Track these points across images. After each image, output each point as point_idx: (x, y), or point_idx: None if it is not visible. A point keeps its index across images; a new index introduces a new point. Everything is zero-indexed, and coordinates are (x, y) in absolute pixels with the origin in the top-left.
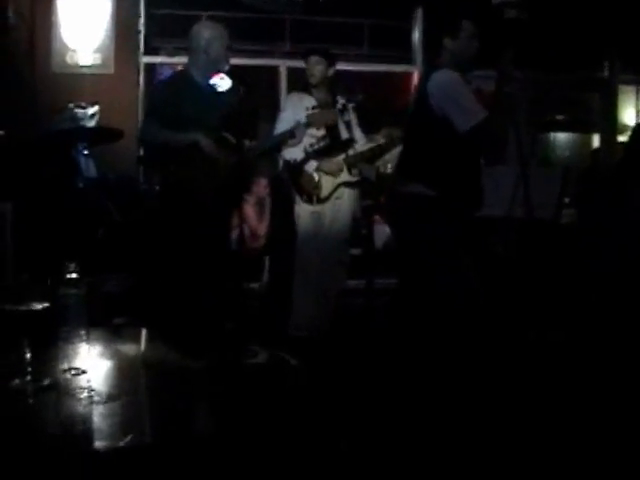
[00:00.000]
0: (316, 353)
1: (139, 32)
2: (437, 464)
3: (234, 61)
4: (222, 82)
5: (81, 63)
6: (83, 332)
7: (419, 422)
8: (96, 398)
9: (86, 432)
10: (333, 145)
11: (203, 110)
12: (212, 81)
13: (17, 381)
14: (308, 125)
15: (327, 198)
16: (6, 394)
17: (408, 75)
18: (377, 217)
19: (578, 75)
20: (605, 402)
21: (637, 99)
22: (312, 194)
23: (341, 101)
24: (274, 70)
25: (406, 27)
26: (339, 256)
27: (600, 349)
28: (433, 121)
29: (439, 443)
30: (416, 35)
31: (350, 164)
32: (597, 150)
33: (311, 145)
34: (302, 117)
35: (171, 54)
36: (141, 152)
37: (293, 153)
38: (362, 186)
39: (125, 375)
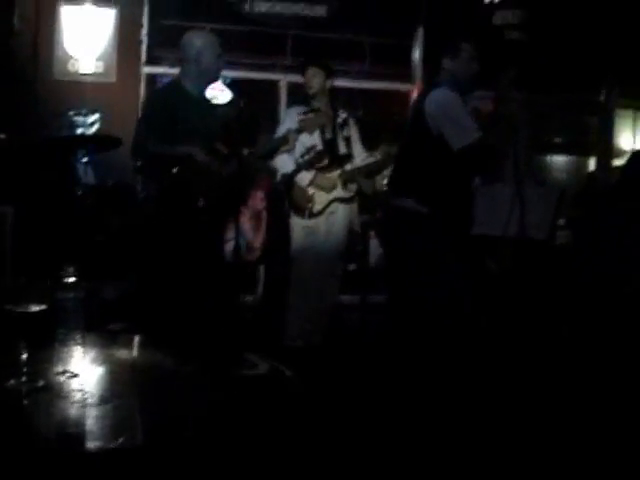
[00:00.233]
0: (310, 364)
1: (141, 42)
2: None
3: (235, 74)
4: (222, 94)
5: (83, 71)
6: (79, 336)
7: (413, 431)
8: (89, 401)
9: (78, 434)
10: (331, 160)
11: (195, 120)
12: (212, 93)
13: (12, 381)
14: (300, 130)
15: (320, 213)
16: (1, 394)
17: (408, 93)
18: (372, 232)
19: (576, 98)
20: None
21: (634, 124)
22: (305, 208)
23: (342, 115)
24: (275, 84)
25: (407, 45)
26: (332, 270)
27: (592, 361)
28: (428, 138)
29: (432, 451)
30: (416, 53)
31: (346, 179)
32: (593, 173)
33: (302, 156)
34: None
35: (173, 65)
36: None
37: (286, 166)
38: (359, 201)
39: (118, 380)
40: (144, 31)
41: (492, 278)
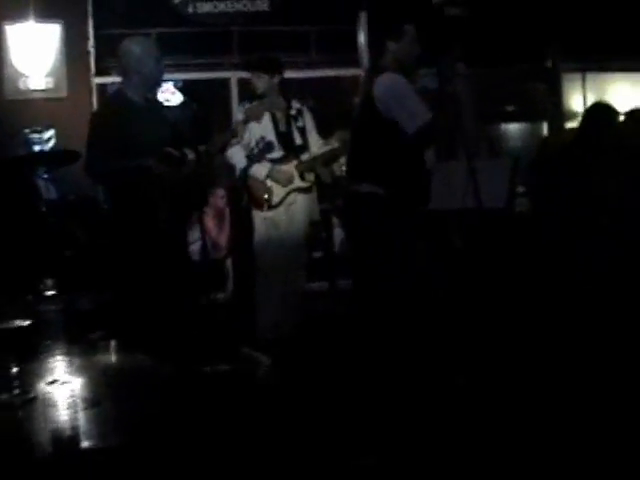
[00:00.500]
0: (284, 354)
1: (89, 53)
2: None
3: (185, 76)
4: (173, 97)
5: (33, 88)
6: (63, 346)
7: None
8: (80, 406)
9: (73, 436)
10: (286, 152)
11: (143, 128)
12: (164, 96)
13: (5, 395)
14: (247, 120)
15: (279, 204)
16: None
17: (356, 78)
18: (335, 219)
19: (522, 67)
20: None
21: (583, 86)
22: (263, 201)
23: (295, 106)
24: (225, 82)
25: (351, 30)
26: (297, 260)
27: (561, 336)
28: (380, 123)
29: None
30: (361, 38)
31: (304, 170)
32: (546, 138)
33: (251, 150)
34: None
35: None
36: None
37: (239, 160)
38: (319, 190)
39: (104, 384)
40: (91, 42)
41: (456, 252)
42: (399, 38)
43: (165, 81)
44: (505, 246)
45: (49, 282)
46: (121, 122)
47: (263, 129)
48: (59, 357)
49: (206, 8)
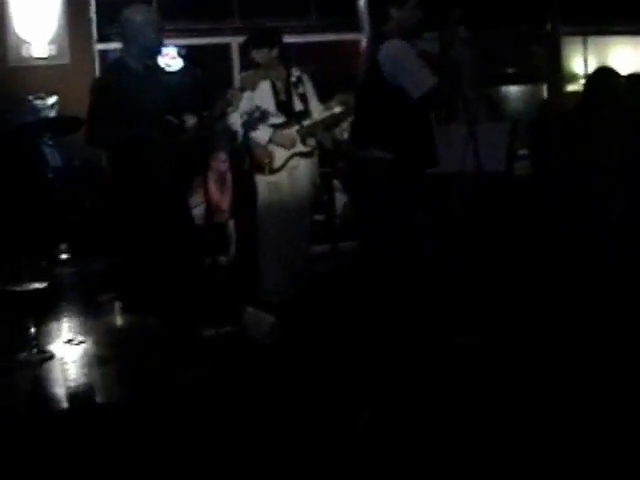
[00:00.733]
0: (288, 314)
1: (90, 20)
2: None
3: (186, 42)
4: (173, 62)
5: (37, 55)
6: (77, 308)
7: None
8: (93, 363)
9: (87, 392)
10: (288, 117)
11: (144, 95)
12: (164, 62)
13: (24, 354)
14: (242, 89)
15: (281, 168)
16: (15, 365)
17: (356, 42)
18: (336, 183)
19: (522, 30)
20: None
21: (585, 50)
22: (265, 165)
23: (295, 73)
24: (226, 47)
25: None
26: (300, 223)
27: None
28: (386, 89)
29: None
30: (361, 2)
31: (305, 135)
32: (546, 101)
33: (247, 118)
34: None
35: None
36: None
37: (239, 127)
38: (320, 154)
39: (116, 343)
40: (92, 9)
41: (457, 215)
42: (401, 5)
43: (166, 46)
44: (505, 208)
45: (63, 246)
46: (122, 89)
47: (263, 97)
48: (73, 318)
49: None
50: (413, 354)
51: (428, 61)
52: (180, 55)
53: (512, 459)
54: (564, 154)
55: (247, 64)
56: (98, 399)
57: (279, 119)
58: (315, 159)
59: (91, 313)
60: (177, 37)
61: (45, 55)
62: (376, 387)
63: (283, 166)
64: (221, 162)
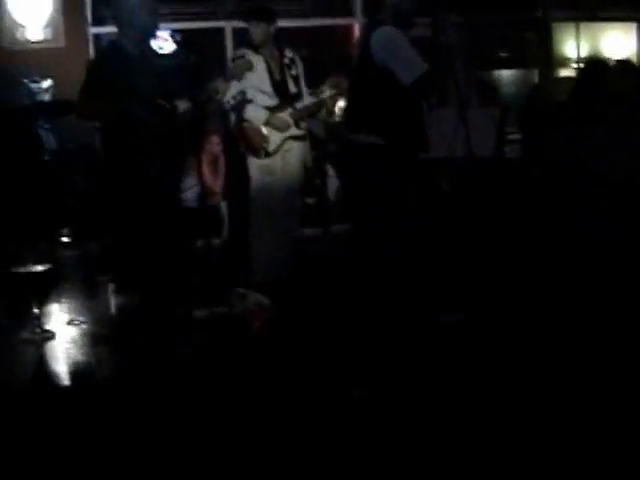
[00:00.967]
0: (279, 295)
1: (85, 4)
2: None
3: (179, 25)
4: (166, 44)
5: (31, 38)
6: (77, 289)
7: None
8: (93, 342)
9: (88, 369)
10: (282, 99)
11: (137, 78)
12: (157, 44)
13: (27, 334)
14: (230, 78)
15: (275, 152)
16: (19, 344)
17: (349, 26)
18: (329, 166)
19: (513, 16)
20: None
21: (576, 35)
22: (259, 148)
23: (288, 55)
24: (220, 31)
25: None
26: (291, 205)
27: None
28: (378, 76)
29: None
30: None
31: (297, 118)
32: (537, 86)
33: (234, 98)
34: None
35: None
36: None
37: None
38: (311, 137)
39: (115, 323)
40: None
41: (446, 198)
42: None
43: (160, 30)
44: (493, 192)
45: (64, 230)
46: (115, 72)
47: (259, 78)
48: (74, 299)
49: None
50: (400, 334)
51: (420, 47)
52: (174, 39)
53: (497, 439)
54: (557, 142)
55: (242, 44)
56: (97, 377)
57: (274, 101)
58: (307, 142)
59: (91, 294)
60: (171, 21)
61: (40, 38)
62: (366, 366)
63: (277, 149)
64: (215, 145)
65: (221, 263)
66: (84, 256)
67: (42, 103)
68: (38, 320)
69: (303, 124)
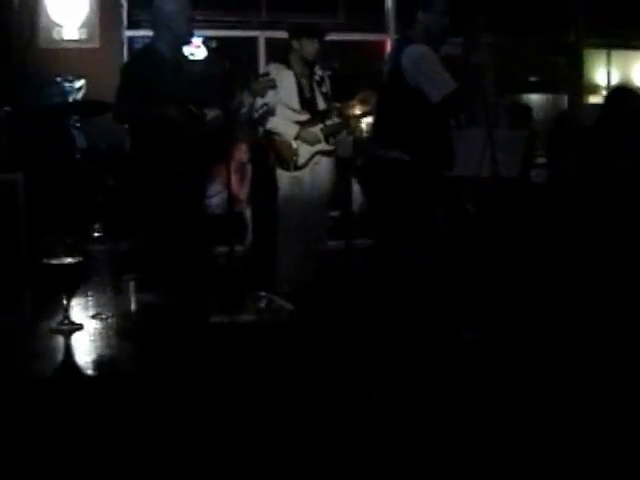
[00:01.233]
0: (302, 304)
1: (122, 6)
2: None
3: (214, 33)
4: (197, 51)
5: (67, 38)
6: (104, 284)
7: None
8: (117, 336)
9: (111, 361)
10: (312, 115)
11: (171, 82)
12: (189, 50)
13: (55, 324)
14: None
15: (304, 165)
16: (47, 333)
17: (382, 42)
18: (354, 181)
19: (546, 39)
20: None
21: (607, 61)
22: (290, 162)
23: (319, 73)
24: (253, 40)
25: None
26: (319, 218)
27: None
28: (407, 93)
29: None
30: (389, 3)
31: (328, 134)
32: (564, 112)
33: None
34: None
35: None
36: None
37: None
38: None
39: (139, 319)
40: None
41: (470, 218)
42: (429, 9)
43: (193, 36)
44: (518, 214)
45: (96, 225)
46: (149, 75)
47: (287, 94)
48: (101, 293)
49: None
50: (422, 348)
51: (450, 66)
52: (208, 46)
53: (515, 453)
54: (582, 166)
55: (275, 56)
56: (119, 368)
57: (304, 116)
58: (334, 157)
59: (117, 290)
60: (206, 28)
61: (75, 38)
62: (386, 376)
63: (307, 163)
64: (242, 153)
65: (244, 270)
66: (113, 252)
67: (74, 102)
68: (67, 312)
69: (332, 140)
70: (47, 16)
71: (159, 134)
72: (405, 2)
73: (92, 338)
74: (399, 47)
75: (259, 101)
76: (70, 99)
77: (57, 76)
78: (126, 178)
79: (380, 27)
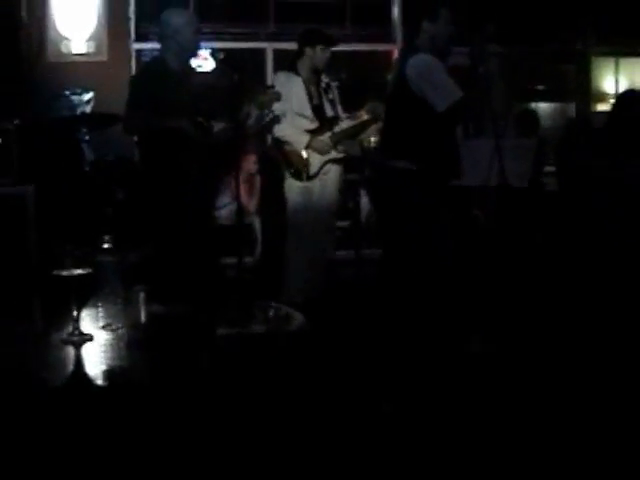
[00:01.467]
0: (312, 315)
1: (129, 19)
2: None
3: (221, 44)
4: (205, 63)
5: (75, 51)
6: (114, 295)
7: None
8: (127, 348)
9: (121, 372)
10: (321, 123)
11: (179, 94)
12: (197, 62)
13: (65, 335)
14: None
15: (316, 175)
16: (57, 344)
17: (389, 52)
18: (362, 190)
19: (554, 48)
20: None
21: (615, 69)
22: (301, 171)
23: (325, 80)
24: (261, 52)
25: (385, 4)
26: (327, 227)
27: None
28: (413, 102)
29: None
30: (395, 12)
31: (337, 141)
32: (572, 120)
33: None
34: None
35: None
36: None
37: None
38: (347, 162)
39: (149, 331)
40: (131, 8)
41: (479, 226)
42: (434, 19)
43: (202, 48)
44: (528, 223)
45: (105, 237)
46: (158, 87)
47: (299, 102)
48: (111, 304)
49: None
50: (430, 358)
51: (458, 75)
52: (216, 58)
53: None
54: (590, 173)
55: (284, 65)
56: (129, 380)
57: (314, 124)
58: (341, 165)
59: (126, 301)
60: (214, 40)
61: (84, 51)
62: (395, 386)
63: (318, 172)
64: (251, 164)
65: (253, 281)
66: (122, 264)
67: (83, 115)
68: (77, 322)
69: (341, 147)
70: (55, 30)
71: (168, 146)
72: (411, 12)
73: (102, 349)
74: (404, 57)
75: (266, 112)
76: (79, 112)
77: (66, 89)
78: (135, 190)
79: (387, 37)
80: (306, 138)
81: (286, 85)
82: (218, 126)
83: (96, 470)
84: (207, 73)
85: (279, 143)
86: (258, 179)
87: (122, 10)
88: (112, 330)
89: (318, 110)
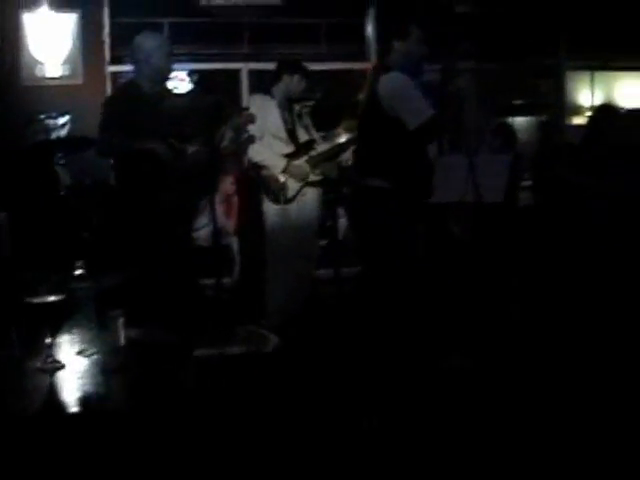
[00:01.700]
0: (292, 335)
1: (104, 42)
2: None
3: (196, 66)
4: (181, 84)
5: (49, 75)
6: (89, 321)
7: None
8: (103, 373)
9: (96, 399)
10: (297, 147)
11: (152, 117)
12: (173, 84)
13: (38, 362)
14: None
15: (294, 198)
16: (31, 373)
17: (364, 70)
18: (340, 209)
19: (528, 63)
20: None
21: (591, 83)
22: (279, 195)
23: (296, 108)
24: (235, 73)
25: (359, 24)
26: (307, 248)
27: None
28: (385, 120)
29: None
30: (369, 32)
31: (313, 165)
32: (548, 134)
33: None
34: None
35: None
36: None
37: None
38: (325, 183)
39: (124, 355)
40: (106, 32)
41: (456, 242)
42: (405, 38)
43: (176, 70)
44: (504, 238)
45: (78, 262)
46: (131, 109)
47: (274, 125)
48: (85, 330)
49: (219, 0)
50: (404, 376)
51: (430, 92)
52: (192, 80)
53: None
54: (568, 187)
55: (258, 87)
56: (104, 406)
57: (289, 147)
58: (319, 186)
59: (101, 326)
60: (188, 61)
61: (58, 75)
62: (375, 402)
63: (295, 195)
64: (228, 185)
65: (231, 302)
66: (97, 289)
67: (59, 139)
68: (50, 350)
69: (318, 170)
70: (29, 54)
71: (141, 168)
72: (385, 30)
73: (76, 376)
74: (376, 75)
75: (241, 133)
76: (54, 136)
77: (40, 113)
78: (111, 213)
79: (362, 56)
80: (283, 162)
81: (262, 108)
82: (191, 149)
83: None
84: (184, 95)
85: (256, 167)
86: (236, 200)
87: (97, 33)
88: (87, 356)
89: (292, 134)
